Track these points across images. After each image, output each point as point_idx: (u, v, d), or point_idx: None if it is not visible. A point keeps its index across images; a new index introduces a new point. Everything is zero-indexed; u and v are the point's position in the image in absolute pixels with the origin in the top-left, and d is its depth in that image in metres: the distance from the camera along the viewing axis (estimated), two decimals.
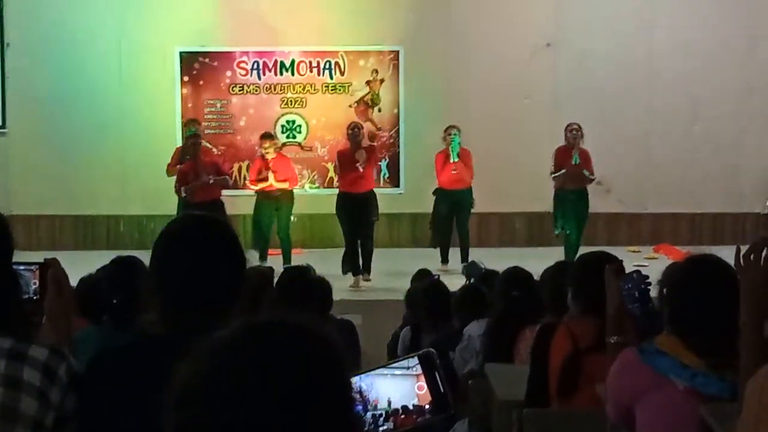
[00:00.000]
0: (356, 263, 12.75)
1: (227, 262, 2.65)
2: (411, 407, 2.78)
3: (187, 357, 1.52)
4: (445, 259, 13.46)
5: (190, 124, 13.92)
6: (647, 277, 4.16)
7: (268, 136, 13.54)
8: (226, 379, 1.46)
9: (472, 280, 9.59)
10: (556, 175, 12.95)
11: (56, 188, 15.10)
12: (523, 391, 4.90)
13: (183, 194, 12.69)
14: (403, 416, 2.77)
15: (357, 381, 2.74)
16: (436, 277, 9.20)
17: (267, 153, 13.19)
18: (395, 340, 7.87)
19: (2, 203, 13.61)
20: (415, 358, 2.86)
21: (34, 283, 2.93)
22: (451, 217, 13.48)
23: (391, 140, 15.55)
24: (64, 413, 2.62)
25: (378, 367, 2.91)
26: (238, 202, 14.36)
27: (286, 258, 13.14)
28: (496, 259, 11.05)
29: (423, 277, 9.51)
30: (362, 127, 13.27)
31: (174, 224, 2.80)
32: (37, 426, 2.58)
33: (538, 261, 12.10)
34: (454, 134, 13.21)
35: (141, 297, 4.79)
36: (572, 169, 12.94)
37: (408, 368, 2.85)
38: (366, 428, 2.69)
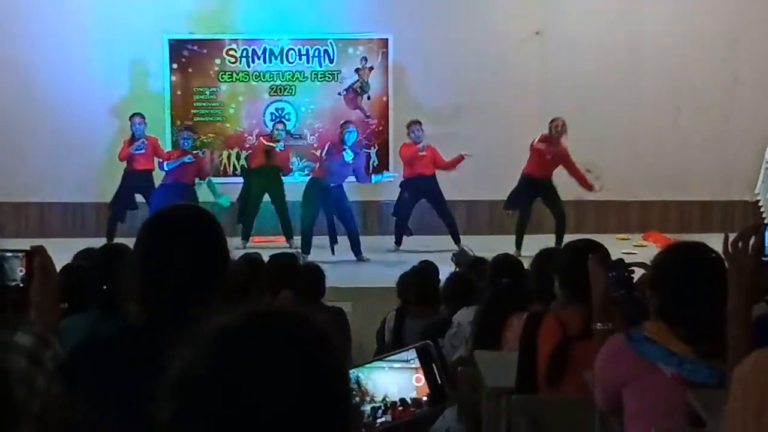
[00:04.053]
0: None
1: (211, 252, 2.66)
2: (409, 400, 2.79)
3: (186, 344, 1.52)
4: (397, 241, 13.90)
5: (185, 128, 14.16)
6: (630, 264, 4.18)
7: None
8: (225, 368, 1.47)
9: (458, 269, 9.56)
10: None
11: (44, 175, 15.06)
12: (512, 378, 4.90)
13: (165, 168, 13.49)
14: (401, 408, 2.77)
15: (355, 373, 2.75)
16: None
17: None
18: (383, 327, 7.86)
19: None
20: (413, 351, 2.87)
21: (21, 270, 2.92)
22: (413, 202, 13.79)
23: (380, 128, 15.54)
24: (50, 400, 2.61)
25: (376, 360, 2.92)
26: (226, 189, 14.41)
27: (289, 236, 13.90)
28: (485, 247, 11.05)
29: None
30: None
31: (162, 213, 2.79)
32: (24, 413, 2.57)
33: (526, 248, 12.21)
34: (418, 130, 13.69)
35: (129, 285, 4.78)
36: (546, 160, 13.19)
37: (407, 361, 2.86)
38: (364, 420, 2.70)
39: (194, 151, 13.96)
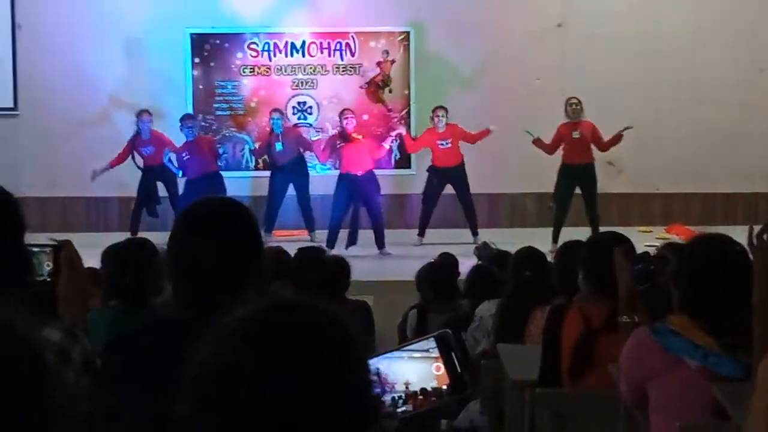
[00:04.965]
0: None
1: (238, 245, 2.65)
2: (430, 389, 2.80)
3: (207, 336, 1.53)
4: (421, 233, 13.92)
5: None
6: (655, 257, 4.16)
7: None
8: (244, 359, 1.47)
9: (480, 262, 9.54)
10: (535, 138, 13.30)
11: (67, 170, 15.11)
12: (535, 371, 4.90)
13: (177, 167, 13.70)
14: (421, 398, 2.78)
15: (375, 363, 2.75)
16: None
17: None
18: (405, 321, 7.86)
19: (14, 185, 13.60)
20: (432, 340, 2.87)
21: (48, 265, 2.92)
22: (439, 188, 13.83)
23: (402, 121, 15.53)
24: (79, 395, 2.62)
25: (396, 349, 2.92)
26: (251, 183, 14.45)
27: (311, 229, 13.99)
28: (507, 240, 11.05)
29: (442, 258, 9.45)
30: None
31: (191, 207, 2.80)
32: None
33: (549, 241, 12.20)
34: (442, 116, 13.66)
35: (153, 278, 4.81)
36: (574, 143, 13.10)
37: (426, 350, 2.86)
38: (385, 410, 2.70)
39: (203, 135, 14.21)
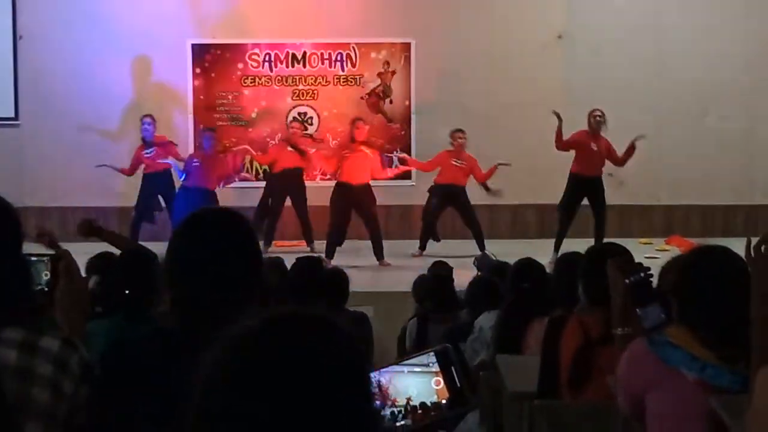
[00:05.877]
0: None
1: (242, 256, 2.66)
2: (429, 404, 2.80)
3: (211, 348, 1.53)
4: (422, 246, 13.92)
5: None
6: (649, 269, 4.15)
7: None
8: (249, 370, 1.48)
9: (479, 273, 9.54)
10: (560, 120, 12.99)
11: (68, 180, 15.13)
12: (534, 383, 4.90)
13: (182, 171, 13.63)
14: (420, 412, 2.78)
15: (376, 376, 2.75)
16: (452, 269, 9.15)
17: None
18: (404, 333, 7.85)
19: (15, 194, 13.58)
20: (433, 355, 2.87)
21: (46, 275, 2.93)
22: (440, 208, 13.78)
23: (403, 132, 15.55)
24: (77, 404, 2.62)
25: (396, 363, 2.92)
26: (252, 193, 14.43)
27: (309, 240, 13.98)
28: (507, 251, 11.04)
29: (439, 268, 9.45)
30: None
31: (190, 216, 2.81)
32: (50, 418, 2.58)
33: (549, 253, 12.19)
34: (460, 138, 13.56)
35: (154, 289, 4.81)
36: (592, 153, 13.08)
37: (427, 365, 2.86)
38: (385, 424, 2.71)
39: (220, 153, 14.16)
